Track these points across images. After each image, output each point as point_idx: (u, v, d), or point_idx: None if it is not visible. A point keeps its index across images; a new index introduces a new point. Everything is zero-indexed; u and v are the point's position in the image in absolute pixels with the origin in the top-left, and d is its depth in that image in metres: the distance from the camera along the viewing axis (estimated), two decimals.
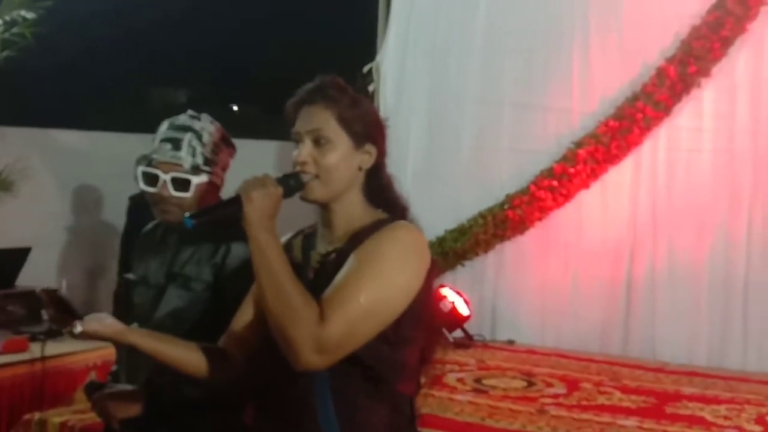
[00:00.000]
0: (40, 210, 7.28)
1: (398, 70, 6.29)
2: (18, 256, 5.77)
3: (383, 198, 1.90)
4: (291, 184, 1.81)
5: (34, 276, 6.65)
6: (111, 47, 11.44)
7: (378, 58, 6.40)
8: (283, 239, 2.02)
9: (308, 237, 1.96)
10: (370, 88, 6.42)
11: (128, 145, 6.26)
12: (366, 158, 1.87)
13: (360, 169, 1.87)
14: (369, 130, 1.87)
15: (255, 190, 1.74)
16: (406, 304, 1.75)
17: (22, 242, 6.15)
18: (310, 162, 1.82)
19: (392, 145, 6.68)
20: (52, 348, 4.14)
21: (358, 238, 1.81)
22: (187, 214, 1.80)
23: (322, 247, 1.89)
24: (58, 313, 2.01)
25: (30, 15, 6.67)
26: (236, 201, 1.75)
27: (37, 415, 3.48)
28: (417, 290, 1.77)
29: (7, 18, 6.67)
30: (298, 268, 1.85)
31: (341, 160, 1.83)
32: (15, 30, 6.73)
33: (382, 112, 6.56)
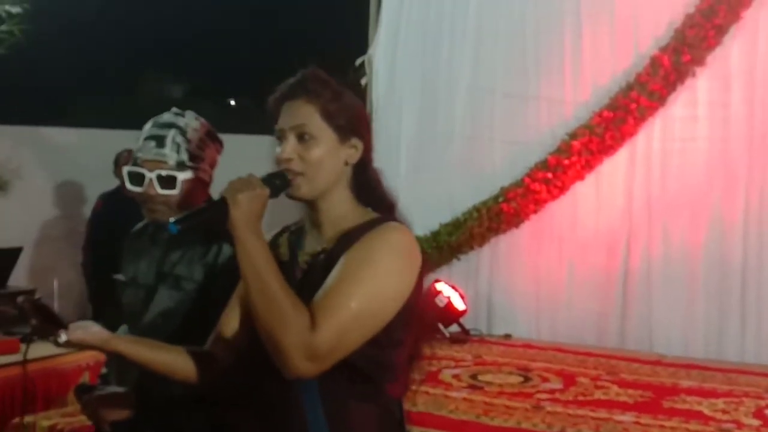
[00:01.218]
0: (33, 209, 7.24)
1: (390, 63, 6.24)
2: (9, 256, 5.74)
3: (371, 194, 1.85)
4: (277, 183, 1.75)
5: (28, 275, 6.64)
6: (102, 42, 11.36)
7: (370, 51, 6.35)
8: (268, 237, 1.97)
9: (294, 234, 1.91)
10: (363, 81, 6.37)
11: (120, 141, 6.25)
12: (352, 152, 1.81)
13: (346, 163, 1.81)
14: (354, 123, 1.81)
15: (241, 192, 1.68)
16: (398, 309, 1.71)
17: (16, 242, 6.12)
18: (296, 159, 1.76)
19: (385, 138, 6.62)
20: (44, 349, 4.07)
21: (348, 238, 1.75)
22: (171, 220, 1.75)
23: (310, 246, 1.84)
24: (43, 322, 1.97)
25: (16, 10, 6.59)
26: (222, 204, 1.69)
27: (26, 419, 3.44)
28: (408, 294, 1.72)
29: None
30: (285, 267, 1.80)
31: (327, 155, 1.77)
32: (3, 27, 6.66)
33: (375, 105, 6.46)
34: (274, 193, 1.74)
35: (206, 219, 1.76)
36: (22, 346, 4.14)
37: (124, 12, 11.28)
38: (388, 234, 1.75)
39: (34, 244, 6.97)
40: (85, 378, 4.22)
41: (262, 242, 1.69)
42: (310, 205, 1.82)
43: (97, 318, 2.00)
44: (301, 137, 1.77)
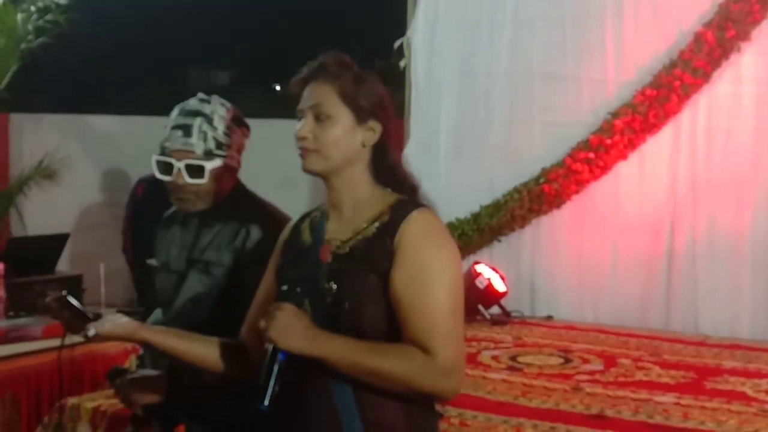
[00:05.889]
0: (80, 196, 7.38)
1: (428, 45, 6.20)
2: (57, 242, 5.86)
3: (391, 177, 1.88)
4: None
5: (75, 262, 6.77)
6: (147, 29, 11.47)
7: (408, 33, 6.32)
8: (291, 223, 2.01)
9: (316, 219, 1.93)
10: (402, 63, 6.35)
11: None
12: (369, 135, 1.85)
13: (363, 145, 1.85)
14: (373, 107, 1.85)
15: (279, 333, 1.69)
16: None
17: (64, 228, 6.24)
18: (311, 137, 1.82)
19: (425, 121, 6.61)
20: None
21: (386, 228, 1.78)
22: (265, 403, 1.69)
23: (334, 229, 1.86)
24: (71, 317, 2.02)
25: (63, 0, 6.71)
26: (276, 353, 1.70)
27: (71, 401, 3.51)
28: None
29: (40, 4, 6.71)
30: (309, 251, 1.86)
31: (342, 135, 1.82)
32: (49, 17, 6.78)
33: (414, 88, 6.43)
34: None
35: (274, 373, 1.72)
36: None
37: (169, 0, 11.38)
38: (422, 225, 1.79)
39: (81, 230, 7.09)
40: (131, 361, 4.30)
41: (327, 342, 1.70)
42: (327, 185, 1.86)
43: (142, 303, 2.05)
44: (318, 117, 1.82)
